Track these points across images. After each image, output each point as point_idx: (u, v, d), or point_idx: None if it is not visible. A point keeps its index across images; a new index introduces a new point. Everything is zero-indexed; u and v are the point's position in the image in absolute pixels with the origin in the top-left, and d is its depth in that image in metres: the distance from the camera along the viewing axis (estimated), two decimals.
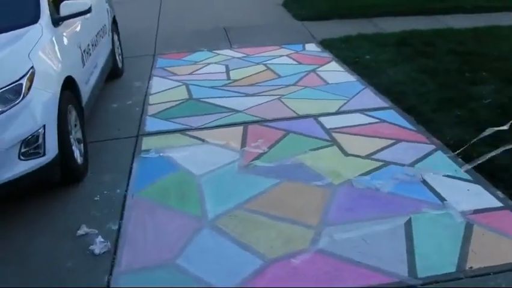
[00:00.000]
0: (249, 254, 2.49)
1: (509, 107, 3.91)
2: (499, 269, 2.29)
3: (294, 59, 5.65)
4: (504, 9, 7.35)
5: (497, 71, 4.71)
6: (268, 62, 5.57)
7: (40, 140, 2.81)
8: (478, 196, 2.86)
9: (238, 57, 5.79)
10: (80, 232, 2.74)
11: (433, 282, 2.24)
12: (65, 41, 3.48)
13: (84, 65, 3.76)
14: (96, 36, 4.34)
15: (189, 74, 5.27)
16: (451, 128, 3.66)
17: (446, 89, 4.35)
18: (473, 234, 2.54)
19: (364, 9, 7.41)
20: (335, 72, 5.17)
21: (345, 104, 4.30)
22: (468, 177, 3.07)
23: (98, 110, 4.31)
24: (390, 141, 3.57)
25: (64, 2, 3.57)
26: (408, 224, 2.64)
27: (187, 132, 3.89)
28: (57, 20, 3.45)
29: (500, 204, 2.79)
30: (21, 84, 2.75)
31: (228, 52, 6.03)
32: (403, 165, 3.23)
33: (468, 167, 3.09)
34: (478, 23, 6.55)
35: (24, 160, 2.75)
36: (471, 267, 2.31)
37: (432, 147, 3.47)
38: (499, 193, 2.88)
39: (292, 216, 2.76)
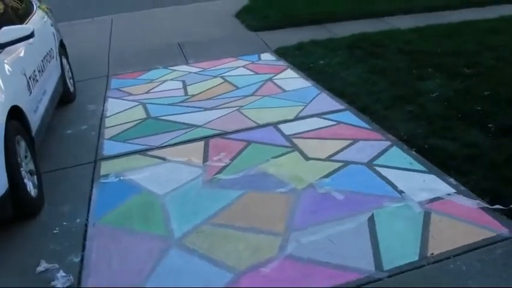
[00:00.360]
0: (218, 269, 2.46)
1: (455, 99, 4.10)
2: (458, 252, 2.39)
3: (250, 70, 5.69)
4: (445, 8, 7.70)
5: (441, 67, 4.92)
6: (225, 74, 5.58)
7: None
8: (433, 185, 2.97)
9: (195, 72, 5.78)
10: (39, 269, 2.61)
11: (398, 273, 2.29)
12: (8, 68, 3.34)
13: (31, 92, 3.62)
14: (42, 61, 4.21)
15: (145, 93, 5.20)
16: (404, 123, 3.78)
17: (396, 86, 4.50)
18: (431, 221, 2.63)
19: (315, 16, 7.57)
20: (291, 79, 5.24)
21: (302, 109, 4.35)
22: (422, 168, 3.18)
23: (51, 138, 4.17)
24: (348, 142, 3.64)
25: (3, 27, 3.44)
26: (371, 220, 2.69)
27: (147, 152, 3.82)
28: None
29: (453, 191, 2.91)
30: None
31: (184, 68, 6.00)
32: (362, 163, 3.30)
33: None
34: (420, 22, 6.84)
35: None
36: (432, 254, 2.39)
37: (388, 143, 3.57)
38: (452, 180, 3.01)
39: (258, 226, 2.76)
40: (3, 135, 2.83)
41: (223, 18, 8.50)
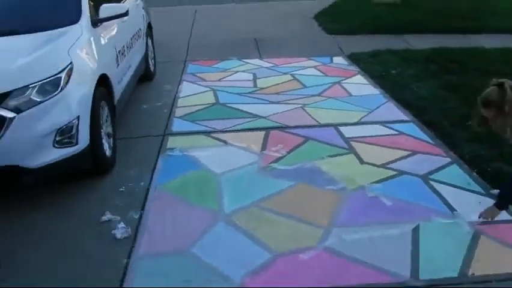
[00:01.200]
0: (259, 248, 2.62)
1: None
2: (500, 278, 2.34)
3: (320, 71, 5.78)
4: None
5: None
6: (295, 72, 5.72)
7: (74, 131, 3.03)
8: None
9: (267, 67, 5.98)
10: (104, 218, 2.93)
11: (434, 285, 2.30)
12: (102, 41, 3.74)
13: (118, 65, 4.01)
14: (131, 39, 4.61)
15: (217, 81, 5.48)
16: (469, 143, 3.70)
17: (467, 105, 4.35)
18: (479, 243, 2.59)
19: (395, 25, 7.48)
20: (360, 85, 5.26)
21: (366, 115, 4.39)
22: (481, 190, 3.11)
23: (129, 110, 4.55)
24: (406, 153, 3.64)
25: (104, 5, 3.84)
26: (415, 230, 2.71)
27: (211, 134, 4.06)
28: (96, 22, 3.71)
29: (509, 218, 2.83)
30: (60, 77, 2.99)
31: (257, 62, 6.22)
32: (417, 175, 3.30)
33: (495, 191, 3.03)
34: (510, 43, 6.51)
35: (58, 148, 2.98)
36: (473, 274, 2.37)
37: (448, 160, 3.52)
38: (511, 207, 2.90)
39: (303, 216, 2.88)
40: (91, 98, 3.21)
41: (301, 19, 8.64)
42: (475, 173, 3.32)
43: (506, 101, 2.52)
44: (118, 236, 2.76)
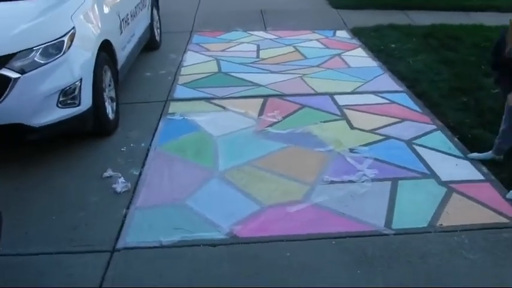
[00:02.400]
0: (249, 201, 2.84)
1: None
2: (466, 228, 2.55)
3: (323, 44, 5.89)
4: None
5: None
6: (297, 44, 5.83)
7: (76, 92, 3.20)
8: (464, 170, 3.11)
9: (270, 39, 6.09)
10: (105, 174, 3.14)
11: (404, 233, 2.52)
12: (105, 8, 3.88)
13: (122, 32, 4.17)
14: (135, 8, 4.75)
15: (221, 51, 5.62)
16: (454, 112, 3.86)
17: (459, 78, 4.51)
18: (450, 199, 2.79)
19: (399, 2, 7.49)
20: (359, 57, 5.38)
21: (361, 85, 4.53)
22: (460, 154, 3.30)
23: (133, 77, 4.74)
24: (395, 120, 3.81)
25: None
26: (393, 187, 2.91)
27: (211, 100, 4.25)
28: None
29: (482, 178, 3.03)
30: (63, 41, 3.14)
31: (261, 33, 6.34)
32: (402, 140, 3.47)
33: (472, 154, 3.25)
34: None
35: (61, 108, 3.15)
36: (441, 224, 2.58)
37: (433, 127, 3.70)
38: (484, 168, 3.11)
39: (292, 174, 3.08)
40: (94, 62, 3.38)
41: None
42: (456, 139, 3.50)
43: None
44: (118, 190, 2.97)
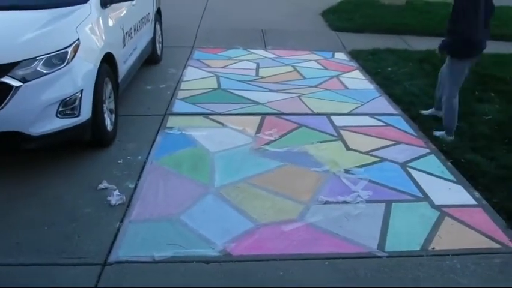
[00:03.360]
0: (243, 218, 2.84)
1: (507, 125, 4.17)
2: (458, 252, 2.57)
3: (321, 64, 5.98)
4: None
5: (505, 93, 4.94)
6: (296, 64, 5.91)
7: (77, 102, 3.22)
8: (457, 194, 3.15)
9: (270, 58, 6.18)
10: (101, 186, 3.14)
11: (397, 256, 2.53)
12: (110, 22, 3.94)
13: (124, 45, 4.22)
14: (139, 22, 4.82)
15: (221, 68, 5.69)
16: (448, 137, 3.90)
17: None
18: (443, 223, 2.83)
19: (397, 27, 7.65)
20: (357, 79, 5.46)
21: (358, 107, 4.59)
22: (452, 178, 3.35)
23: (133, 90, 4.78)
24: (390, 142, 3.86)
25: None
26: (388, 209, 2.94)
27: (210, 116, 4.28)
28: (105, 2, 3.89)
29: (474, 203, 3.07)
30: (67, 52, 3.17)
31: (261, 52, 6.43)
32: (397, 162, 3.51)
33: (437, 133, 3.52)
34: (505, 49, 6.67)
35: (60, 118, 3.16)
36: (433, 248, 2.60)
37: (427, 151, 3.75)
38: (476, 193, 3.16)
39: (287, 193, 3.10)
40: (96, 74, 3.42)
41: (309, 14, 8.81)
42: (449, 163, 3.55)
43: None
44: (113, 202, 2.96)
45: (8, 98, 2.93)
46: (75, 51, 3.23)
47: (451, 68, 3.81)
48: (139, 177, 3.27)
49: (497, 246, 2.65)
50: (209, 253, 2.53)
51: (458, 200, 3.06)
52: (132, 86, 4.74)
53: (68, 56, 3.17)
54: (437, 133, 3.95)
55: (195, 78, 5.31)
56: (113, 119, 3.83)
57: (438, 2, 9.44)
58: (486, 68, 5.74)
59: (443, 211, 2.93)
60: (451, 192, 3.11)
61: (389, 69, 5.68)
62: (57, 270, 2.40)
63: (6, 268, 2.41)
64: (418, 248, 2.59)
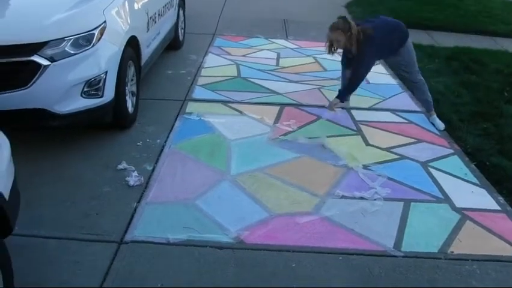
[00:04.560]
0: (258, 207, 2.84)
1: None
2: (478, 258, 2.50)
3: None
4: None
5: None
6: (318, 55, 5.82)
7: (101, 84, 3.26)
8: (480, 198, 3.06)
9: (291, 48, 6.11)
10: (120, 166, 3.18)
11: (413, 257, 2.48)
12: (136, 6, 3.95)
13: (148, 30, 4.23)
14: (163, 7, 4.81)
15: (242, 56, 5.65)
16: (473, 138, 3.82)
17: (480, 103, 4.47)
18: (464, 226, 2.75)
19: (424, 21, 7.46)
20: (379, 74, 5.35)
21: (379, 102, 4.52)
22: (476, 181, 3.26)
23: (154, 74, 4.79)
24: (412, 140, 3.78)
25: None
26: (406, 208, 2.88)
27: (229, 104, 4.27)
28: None
29: (498, 208, 2.98)
30: (93, 34, 3.21)
31: (282, 42, 6.35)
32: (418, 161, 3.45)
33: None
34: None
35: (85, 98, 3.21)
36: (452, 252, 2.53)
37: (451, 151, 3.66)
38: (501, 199, 3.06)
39: (303, 185, 3.07)
40: (120, 56, 3.44)
41: (332, 6, 8.64)
42: (473, 165, 3.46)
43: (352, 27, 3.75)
44: (131, 183, 3.01)
45: (36, 76, 2.97)
46: (101, 33, 3.25)
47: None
48: (157, 160, 3.30)
49: None
50: (223, 239, 2.54)
51: (481, 204, 2.98)
52: (153, 70, 4.74)
53: (95, 38, 3.20)
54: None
55: (215, 65, 5.29)
56: (134, 102, 3.85)
57: None
58: None
59: (464, 214, 2.86)
60: (473, 195, 3.04)
61: None
62: (76, 245, 2.45)
63: (29, 239, 2.47)
64: (436, 251, 2.54)
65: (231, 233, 2.60)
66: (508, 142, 3.72)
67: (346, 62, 4.19)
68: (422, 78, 4.15)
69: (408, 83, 4.58)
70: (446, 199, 3.01)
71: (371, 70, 5.51)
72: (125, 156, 3.30)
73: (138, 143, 3.51)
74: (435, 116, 4.11)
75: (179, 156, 3.36)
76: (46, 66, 2.98)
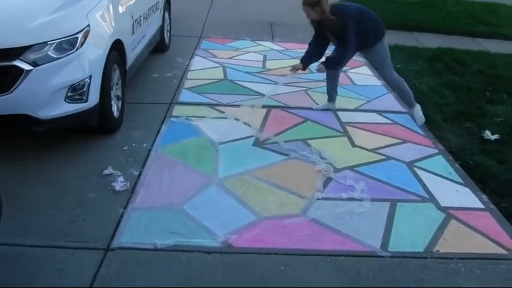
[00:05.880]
0: (246, 210, 2.83)
1: None
2: (463, 256, 2.54)
3: None
4: None
5: None
6: None
7: (85, 88, 3.22)
8: (464, 197, 3.10)
9: (277, 50, 6.13)
10: (106, 172, 3.14)
11: (400, 257, 2.50)
12: (120, 9, 3.92)
13: (133, 33, 4.20)
14: (148, 10, 4.78)
15: (228, 58, 5.65)
16: (457, 138, 3.88)
17: (463, 103, 4.54)
18: (448, 225, 2.79)
19: (407, 23, 7.56)
20: (364, 75, 5.41)
21: (365, 103, 4.56)
22: (460, 180, 3.30)
23: (140, 77, 4.76)
24: (397, 141, 3.82)
25: None
26: (392, 208, 2.91)
27: (215, 107, 4.26)
28: None
29: (482, 206, 3.02)
30: (77, 37, 3.17)
31: (268, 44, 6.38)
32: (403, 161, 3.48)
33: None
34: None
35: (69, 103, 3.17)
36: (438, 251, 2.57)
37: (435, 151, 3.71)
38: (484, 197, 3.11)
39: (290, 187, 3.08)
40: (104, 60, 3.41)
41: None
42: (457, 164, 3.51)
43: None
44: (117, 188, 2.97)
45: (18, 81, 2.94)
46: (85, 37, 3.22)
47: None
48: (144, 164, 3.27)
49: (504, 252, 2.61)
50: (211, 244, 2.53)
51: (465, 203, 3.02)
52: (139, 74, 4.72)
53: (78, 42, 3.17)
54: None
55: (202, 68, 5.28)
56: (120, 106, 3.82)
57: None
58: (495, 67, 5.71)
59: (449, 213, 2.89)
60: (458, 194, 3.08)
61: (398, 66, 5.58)
62: (62, 253, 2.42)
63: (13, 248, 2.43)
64: (422, 250, 2.56)
65: (219, 237, 2.59)
66: (491, 142, 3.78)
67: (321, 40, 4.20)
68: (398, 76, 4.23)
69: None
70: (431, 198, 3.05)
71: (358, 72, 5.59)
72: (111, 161, 3.27)
73: (124, 148, 3.48)
74: (416, 108, 4.16)
75: (166, 160, 3.34)
76: (29, 71, 2.95)
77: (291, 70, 4.32)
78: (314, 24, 4.07)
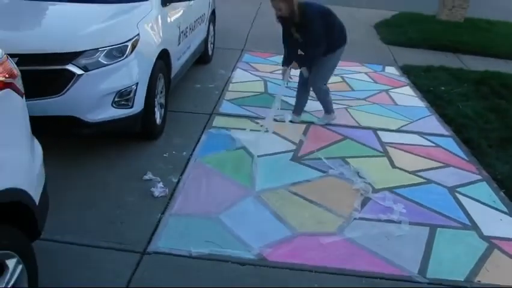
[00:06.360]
0: (281, 225, 2.83)
1: None
2: None
3: (371, 77, 5.87)
4: None
5: None
6: (346, 75, 5.84)
7: (131, 94, 3.34)
8: (509, 226, 2.97)
9: None
10: (146, 177, 3.22)
11: (438, 284, 2.43)
12: (168, 20, 4.05)
13: (179, 43, 4.32)
14: (194, 22, 4.92)
15: (269, 72, 5.70)
16: (503, 165, 3.73)
17: (510, 129, 4.37)
18: (491, 255, 2.67)
19: (453, 44, 7.41)
20: (407, 96, 5.32)
21: (407, 124, 4.47)
22: (504, 209, 3.17)
23: (183, 87, 4.87)
24: (439, 164, 3.72)
25: None
26: (432, 233, 2.82)
27: (256, 120, 4.30)
28: (165, 1, 4.02)
29: None
30: (127, 46, 3.30)
31: None
32: (445, 186, 3.38)
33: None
34: None
35: (115, 108, 3.29)
36: (479, 281, 2.46)
37: (479, 177, 3.58)
38: None
39: (328, 205, 3.05)
40: (151, 68, 3.52)
41: (362, 26, 8.67)
42: (502, 193, 3.37)
43: None
44: (156, 194, 3.04)
45: (70, 85, 3.06)
46: (134, 45, 3.34)
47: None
48: (183, 172, 3.33)
49: None
50: (245, 255, 2.54)
51: (510, 233, 2.90)
52: (182, 84, 4.83)
53: (128, 50, 3.29)
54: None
55: (243, 80, 5.35)
56: (162, 113, 3.92)
57: (499, 21, 9.12)
58: None
59: (492, 243, 2.78)
60: (502, 223, 2.96)
61: (442, 88, 5.50)
62: (99, 253, 2.49)
63: (53, 244, 2.51)
64: (462, 279, 2.47)
65: (254, 249, 2.59)
66: None
67: (288, 41, 4.23)
68: (324, 87, 4.29)
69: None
70: (474, 226, 2.94)
71: (400, 92, 5.48)
72: (151, 166, 3.35)
73: (165, 154, 3.56)
74: (326, 115, 4.33)
75: (204, 169, 3.39)
76: (80, 75, 3.07)
77: (283, 78, 4.36)
78: (281, 22, 4.11)
